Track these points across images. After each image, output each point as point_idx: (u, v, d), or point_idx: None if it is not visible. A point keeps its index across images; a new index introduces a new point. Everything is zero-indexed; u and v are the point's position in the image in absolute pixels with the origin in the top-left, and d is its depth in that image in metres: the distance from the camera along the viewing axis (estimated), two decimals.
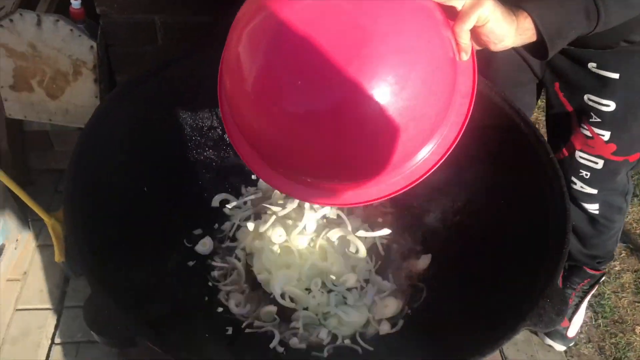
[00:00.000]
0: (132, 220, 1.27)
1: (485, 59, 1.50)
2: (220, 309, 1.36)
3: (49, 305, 2.06)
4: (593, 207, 1.68)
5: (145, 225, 1.32)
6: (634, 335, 2.31)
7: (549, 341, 2.07)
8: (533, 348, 2.20)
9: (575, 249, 1.91)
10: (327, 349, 1.29)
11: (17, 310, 2.04)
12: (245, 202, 1.56)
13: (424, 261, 1.45)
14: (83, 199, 1.08)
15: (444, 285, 1.37)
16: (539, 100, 1.76)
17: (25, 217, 2.21)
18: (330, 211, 1.47)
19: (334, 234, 1.43)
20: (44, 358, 1.95)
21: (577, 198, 1.66)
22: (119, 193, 1.27)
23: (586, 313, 2.37)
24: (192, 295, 1.35)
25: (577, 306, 2.12)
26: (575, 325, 2.09)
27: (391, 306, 1.37)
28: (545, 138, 1.45)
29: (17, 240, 2.12)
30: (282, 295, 1.35)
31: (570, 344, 2.09)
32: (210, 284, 1.41)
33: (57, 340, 2.01)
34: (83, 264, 0.96)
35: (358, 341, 1.31)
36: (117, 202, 1.25)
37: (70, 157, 1.12)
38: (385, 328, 1.33)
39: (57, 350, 1.98)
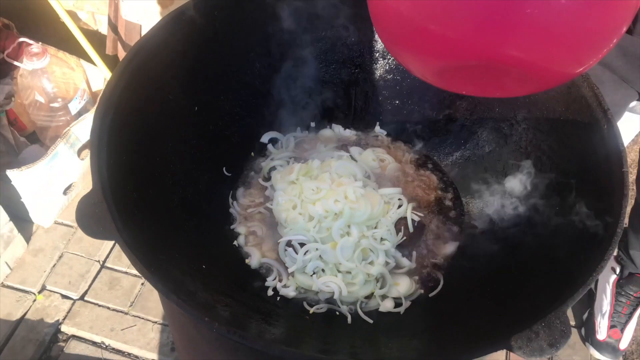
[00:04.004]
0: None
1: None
2: (235, 243, 1.37)
3: None
4: None
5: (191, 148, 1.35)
6: None
7: (598, 355, 1.91)
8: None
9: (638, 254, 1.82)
10: (319, 305, 1.26)
11: None
12: (287, 141, 1.56)
13: (450, 247, 1.37)
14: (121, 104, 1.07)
15: (460, 282, 1.29)
16: None
17: None
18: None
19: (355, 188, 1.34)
20: None
21: None
22: (169, 107, 1.25)
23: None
24: (211, 223, 1.37)
25: (630, 316, 1.95)
26: (627, 337, 1.94)
27: (402, 285, 1.30)
28: None
29: None
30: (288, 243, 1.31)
31: (620, 358, 1.93)
32: (233, 210, 1.42)
33: None
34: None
35: (357, 310, 1.26)
36: (161, 119, 1.23)
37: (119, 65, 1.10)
38: (387, 305, 1.27)
39: None
